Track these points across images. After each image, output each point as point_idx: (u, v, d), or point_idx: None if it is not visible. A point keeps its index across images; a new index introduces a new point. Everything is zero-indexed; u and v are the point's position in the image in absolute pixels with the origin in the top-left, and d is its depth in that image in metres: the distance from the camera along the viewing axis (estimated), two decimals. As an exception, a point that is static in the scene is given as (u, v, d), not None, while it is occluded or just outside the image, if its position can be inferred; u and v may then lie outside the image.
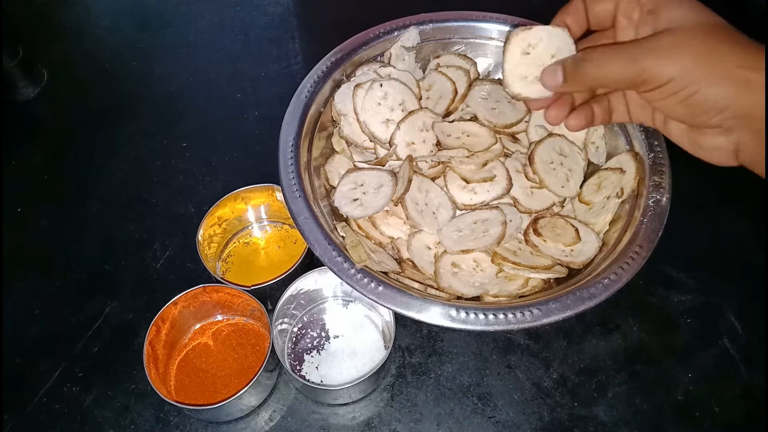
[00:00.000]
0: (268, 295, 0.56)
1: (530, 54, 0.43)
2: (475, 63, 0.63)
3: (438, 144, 0.56)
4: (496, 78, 0.63)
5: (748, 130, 0.35)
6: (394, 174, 0.53)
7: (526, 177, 0.54)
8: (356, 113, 0.56)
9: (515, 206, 0.53)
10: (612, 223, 0.52)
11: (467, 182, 0.53)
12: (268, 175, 0.60)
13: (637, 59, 0.36)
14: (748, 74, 0.33)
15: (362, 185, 0.53)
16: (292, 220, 0.49)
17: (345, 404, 0.54)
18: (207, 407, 0.48)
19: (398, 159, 0.55)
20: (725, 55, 0.34)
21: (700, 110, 0.35)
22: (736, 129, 0.35)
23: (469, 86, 0.60)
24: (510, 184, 0.53)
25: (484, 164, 0.53)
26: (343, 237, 0.49)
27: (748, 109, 0.34)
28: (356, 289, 0.45)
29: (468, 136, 0.56)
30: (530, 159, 0.54)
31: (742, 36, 0.35)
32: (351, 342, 0.57)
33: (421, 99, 0.59)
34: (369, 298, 0.44)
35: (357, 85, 0.56)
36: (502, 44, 0.61)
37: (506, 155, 0.56)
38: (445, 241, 0.51)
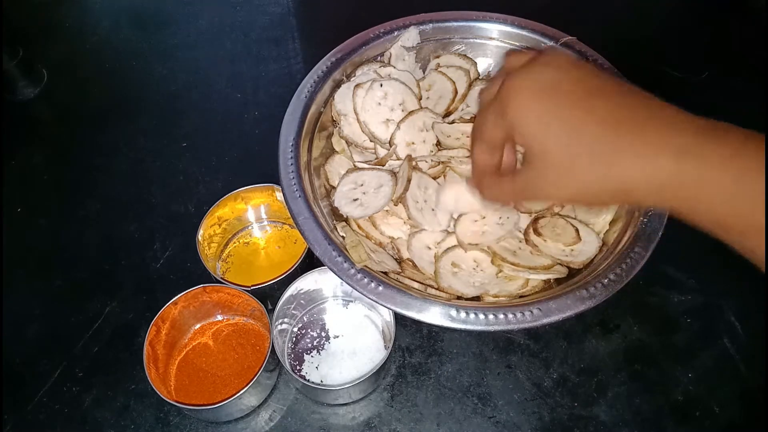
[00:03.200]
0: (268, 295, 0.56)
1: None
2: (475, 63, 0.63)
3: (438, 144, 0.56)
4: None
5: None
6: (394, 174, 0.53)
7: None
8: (356, 113, 0.56)
9: (515, 206, 0.53)
10: (612, 223, 0.52)
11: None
12: (268, 175, 0.60)
13: (522, 200, 0.43)
14: (621, 185, 0.32)
15: (362, 185, 0.53)
16: (292, 220, 0.49)
17: (345, 404, 0.54)
18: (207, 407, 0.48)
19: (398, 159, 0.55)
20: (595, 177, 0.33)
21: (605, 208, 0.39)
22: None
23: (469, 86, 0.60)
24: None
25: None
26: (343, 237, 0.49)
27: (640, 203, 0.36)
28: (356, 289, 0.45)
29: (468, 137, 0.56)
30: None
31: (603, 130, 0.32)
32: (351, 342, 0.57)
33: (421, 99, 0.59)
34: (369, 298, 0.44)
35: (357, 85, 0.56)
36: (503, 45, 0.61)
37: None
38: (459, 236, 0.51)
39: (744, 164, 0.28)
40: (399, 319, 0.53)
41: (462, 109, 0.60)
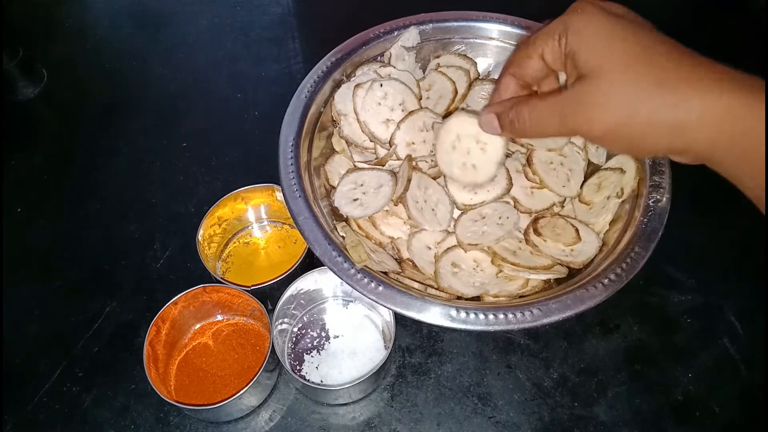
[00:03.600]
0: (268, 295, 0.56)
1: (456, 147, 0.48)
2: (475, 63, 0.63)
3: None
4: (497, 78, 0.63)
5: (696, 156, 0.34)
6: (393, 174, 0.53)
7: (526, 177, 0.54)
8: (356, 113, 0.56)
9: (515, 206, 0.53)
10: (612, 223, 0.52)
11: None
12: (268, 175, 0.60)
13: (566, 121, 0.35)
14: (677, 117, 0.32)
15: (362, 185, 0.53)
16: (292, 220, 0.49)
17: (345, 404, 0.54)
18: (207, 407, 0.48)
19: (398, 159, 0.55)
20: (651, 101, 0.32)
21: (643, 152, 0.35)
22: (685, 153, 0.34)
23: (470, 86, 0.60)
24: (510, 184, 0.53)
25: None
26: (343, 237, 0.49)
27: (686, 146, 0.32)
28: (356, 289, 0.45)
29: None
30: (528, 160, 0.54)
31: (666, 61, 0.32)
32: (351, 342, 0.57)
33: (421, 99, 0.59)
34: (369, 298, 0.44)
35: (357, 85, 0.56)
36: (503, 45, 0.61)
37: (507, 155, 0.56)
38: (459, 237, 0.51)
39: None
40: (399, 319, 0.54)
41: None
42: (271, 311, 0.54)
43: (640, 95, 0.32)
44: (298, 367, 0.56)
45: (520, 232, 0.52)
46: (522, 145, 0.56)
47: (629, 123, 0.33)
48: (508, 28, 0.61)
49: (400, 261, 0.52)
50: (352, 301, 0.59)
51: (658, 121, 0.32)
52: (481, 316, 0.43)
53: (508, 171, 0.54)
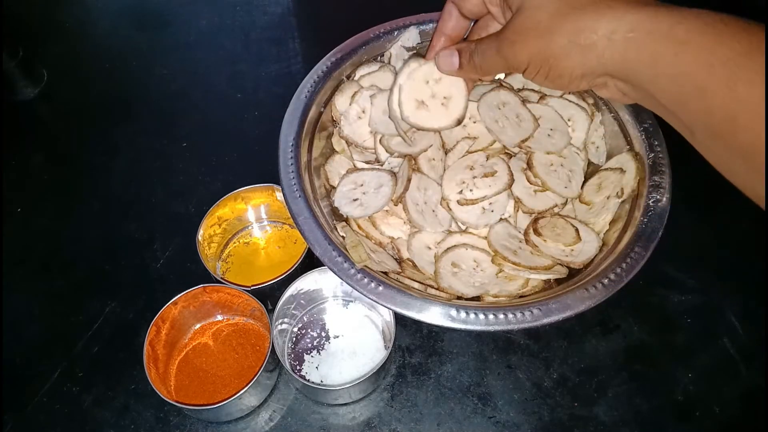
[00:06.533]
0: (268, 295, 0.56)
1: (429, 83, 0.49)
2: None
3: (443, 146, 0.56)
4: (496, 78, 0.62)
5: (617, 82, 0.36)
6: (393, 174, 0.53)
7: (528, 181, 0.54)
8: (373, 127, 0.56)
9: (519, 205, 0.53)
10: (612, 223, 0.52)
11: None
12: (268, 175, 0.60)
13: (500, 51, 0.39)
14: (586, 39, 0.34)
15: (362, 185, 0.53)
16: (292, 220, 0.49)
17: (345, 404, 0.54)
18: (207, 407, 0.48)
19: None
20: (565, 26, 0.35)
21: (565, 81, 0.37)
22: (607, 84, 0.36)
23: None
24: (511, 179, 0.53)
25: (486, 159, 0.53)
26: (343, 237, 0.49)
27: (599, 66, 0.34)
28: (356, 289, 0.45)
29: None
30: (528, 163, 0.54)
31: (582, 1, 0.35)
32: (351, 342, 0.57)
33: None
34: (369, 298, 0.44)
35: (373, 96, 0.56)
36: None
37: (510, 155, 0.56)
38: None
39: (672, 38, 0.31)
40: (399, 319, 0.54)
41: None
42: (271, 311, 0.54)
43: (557, 21, 0.35)
44: (298, 367, 0.56)
45: (520, 232, 0.52)
46: (521, 148, 0.56)
47: (547, 48, 0.35)
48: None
49: (400, 261, 0.52)
50: (352, 301, 0.59)
51: (570, 43, 0.34)
52: (481, 316, 0.43)
53: (509, 167, 0.54)
